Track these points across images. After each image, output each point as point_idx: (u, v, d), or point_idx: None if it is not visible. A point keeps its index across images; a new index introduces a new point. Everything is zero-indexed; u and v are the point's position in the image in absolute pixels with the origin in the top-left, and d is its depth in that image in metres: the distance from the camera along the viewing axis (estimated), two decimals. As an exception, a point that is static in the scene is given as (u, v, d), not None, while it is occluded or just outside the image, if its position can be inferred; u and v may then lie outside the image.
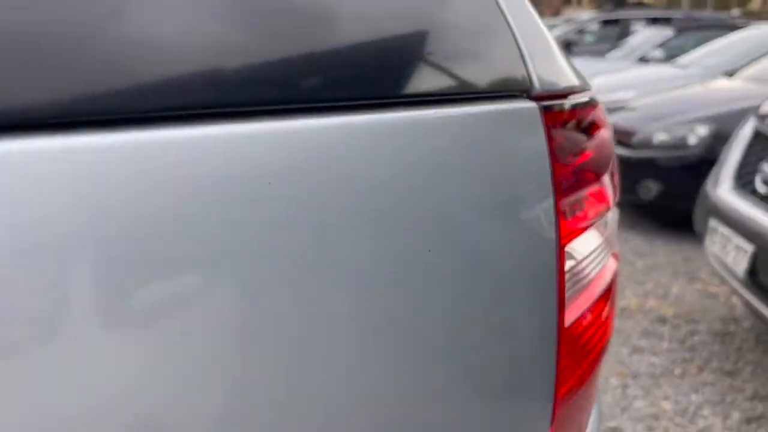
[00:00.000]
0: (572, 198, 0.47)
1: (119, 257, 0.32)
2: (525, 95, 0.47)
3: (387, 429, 0.42)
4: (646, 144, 3.98)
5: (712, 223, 2.43)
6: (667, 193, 3.92)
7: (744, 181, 2.37)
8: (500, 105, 0.42)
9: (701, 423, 2.13)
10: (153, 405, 0.34)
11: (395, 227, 0.39)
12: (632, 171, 3.85)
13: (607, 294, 0.49)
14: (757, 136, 2.42)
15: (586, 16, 12.81)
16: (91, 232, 0.31)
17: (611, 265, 0.52)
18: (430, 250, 0.39)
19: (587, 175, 0.49)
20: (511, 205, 0.42)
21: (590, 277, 0.47)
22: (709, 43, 7.08)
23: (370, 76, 0.38)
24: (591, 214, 0.50)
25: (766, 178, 2.20)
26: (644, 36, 8.83)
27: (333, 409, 0.39)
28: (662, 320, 2.91)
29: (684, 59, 6.84)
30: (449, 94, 0.39)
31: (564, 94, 0.48)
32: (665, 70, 6.59)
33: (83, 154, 0.32)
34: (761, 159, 2.30)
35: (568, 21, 12.49)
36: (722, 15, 15.94)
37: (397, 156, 0.38)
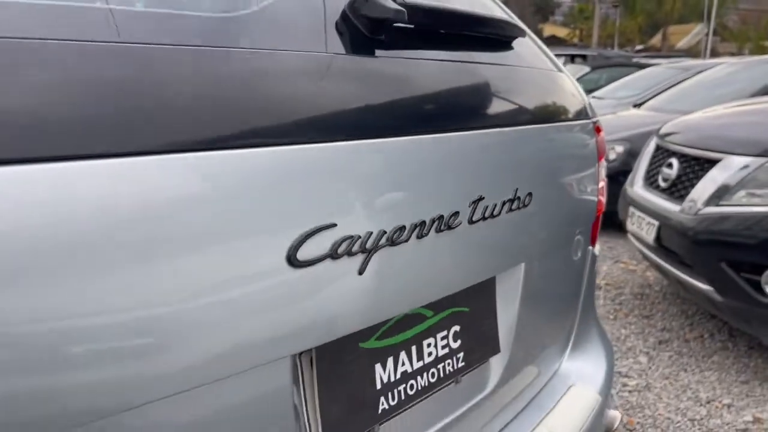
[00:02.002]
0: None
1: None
2: (588, 119, 1.31)
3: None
4: (577, 159, 5.02)
5: (631, 210, 3.43)
6: (594, 198, 4.95)
7: (651, 180, 3.39)
8: (583, 122, 1.27)
9: (629, 344, 3.08)
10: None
11: (560, 174, 1.19)
12: (568, 180, 4.86)
13: (601, 200, 1.35)
14: (658, 149, 3.46)
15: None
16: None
17: (603, 192, 1.38)
18: (570, 183, 1.20)
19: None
20: (588, 160, 1.26)
21: (601, 185, 1.33)
22: (619, 78, 8.41)
23: (561, 112, 1.20)
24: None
25: (664, 177, 3.21)
26: (565, 71, 10.15)
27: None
28: (597, 287, 3.89)
29: (600, 92, 8.11)
30: (571, 119, 1.23)
31: (593, 115, 1.34)
32: (585, 100, 7.80)
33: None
34: (661, 165, 3.33)
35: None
36: (626, 52, 17.81)
37: (563, 140, 1.20)
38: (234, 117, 0.61)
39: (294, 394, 0.70)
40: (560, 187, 1.13)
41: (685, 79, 6.80)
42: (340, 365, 0.76)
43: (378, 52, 0.82)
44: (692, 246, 2.84)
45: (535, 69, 1.18)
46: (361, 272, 0.70)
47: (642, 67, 8.86)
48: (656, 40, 39.09)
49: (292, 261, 0.63)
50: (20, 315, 0.47)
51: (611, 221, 4.19)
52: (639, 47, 35.77)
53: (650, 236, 3.13)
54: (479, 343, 0.98)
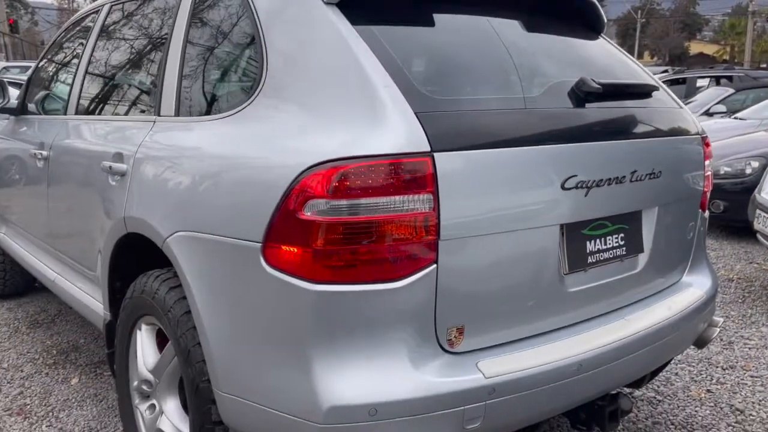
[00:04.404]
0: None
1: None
2: (699, 135, 2.21)
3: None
4: (715, 174, 5.64)
5: (757, 212, 4.13)
6: (730, 209, 5.56)
7: (775, 187, 4.08)
8: (695, 137, 2.17)
9: (753, 319, 3.78)
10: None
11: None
12: (705, 192, 5.52)
13: (707, 184, 2.21)
14: (782, 161, 4.13)
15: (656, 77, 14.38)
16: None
17: (709, 179, 2.25)
18: (685, 168, 2.13)
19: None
20: (698, 158, 2.14)
21: (707, 174, 2.22)
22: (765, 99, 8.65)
23: (681, 131, 2.15)
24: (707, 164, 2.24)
25: (787, 184, 3.90)
26: (709, 94, 10.45)
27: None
28: (730, 280, 4.57)
29: (743, 113, 8.44)
30: (686, 134, 2.14)
31: (703, 133, 2.23)
32: (727, 121, 8.21)
33: None
34: (785, 174, 4.01)
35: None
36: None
37: (683, 147, 2.12)
38: (558, 132, 1.70)
39: (558, 243, 1.74)
40: (679, 170, 2.10)
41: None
42: (574, 237, 1.79)
43: (587, 105, 1.86)
44: (807, 238, 3.53)
45: (667, 108, 2.16)
46: (586, 195, 1.74)
47: (790, 88, 9.00)
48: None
49: (563, 187, 1.68)
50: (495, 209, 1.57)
51: (748, 230, 4.81)
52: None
53: (772, 231, 3.83)
54: (632, 245, 1.97)
